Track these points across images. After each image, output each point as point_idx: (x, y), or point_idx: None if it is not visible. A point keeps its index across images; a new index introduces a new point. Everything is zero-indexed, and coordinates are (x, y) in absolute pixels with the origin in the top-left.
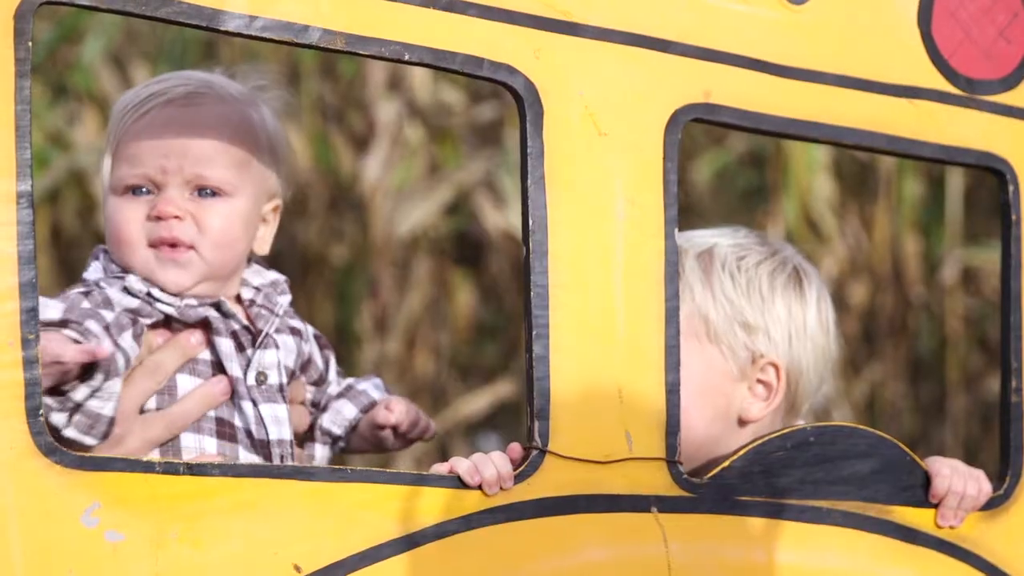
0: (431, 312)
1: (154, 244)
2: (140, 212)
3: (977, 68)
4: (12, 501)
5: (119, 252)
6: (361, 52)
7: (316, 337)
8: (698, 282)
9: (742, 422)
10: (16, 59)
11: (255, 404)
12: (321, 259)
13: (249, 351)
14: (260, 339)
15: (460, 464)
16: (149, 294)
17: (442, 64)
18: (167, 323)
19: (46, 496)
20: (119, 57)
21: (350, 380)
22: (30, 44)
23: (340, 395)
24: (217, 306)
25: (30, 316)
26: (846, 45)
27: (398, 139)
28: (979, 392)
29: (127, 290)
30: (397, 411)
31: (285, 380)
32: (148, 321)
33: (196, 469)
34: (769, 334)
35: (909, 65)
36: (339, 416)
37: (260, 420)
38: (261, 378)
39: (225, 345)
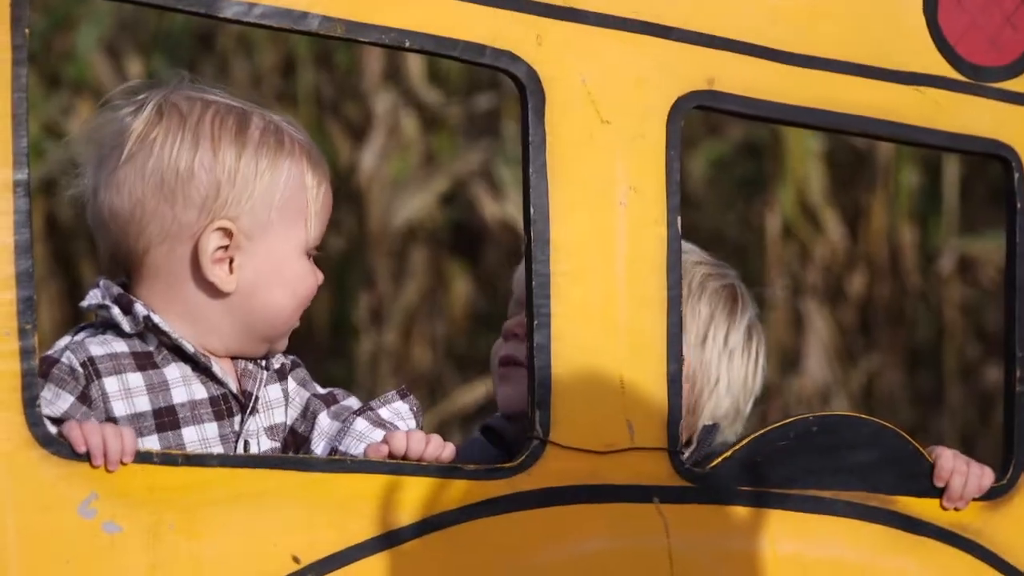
0: (428, 303)
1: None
2: None
3: (983, 55)
4: (9, 492)
5: (291, 309)
6: (361, 39)
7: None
8: None
9: None
10: (13, 46)
11: None
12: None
13: (237, 417)
14: (250, 405)
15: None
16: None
17: (443, 51)
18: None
19: (43, 487)
20: (113, 47)
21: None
22: (27, 31)
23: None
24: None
25: (26, 306)
26: (851, 32)
27: (395, 130)
28: (976, 382)
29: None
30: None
31: (268, 446)
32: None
33: (194, 460)
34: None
35: (914, 52)
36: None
37: None
38: (246, 448)
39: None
